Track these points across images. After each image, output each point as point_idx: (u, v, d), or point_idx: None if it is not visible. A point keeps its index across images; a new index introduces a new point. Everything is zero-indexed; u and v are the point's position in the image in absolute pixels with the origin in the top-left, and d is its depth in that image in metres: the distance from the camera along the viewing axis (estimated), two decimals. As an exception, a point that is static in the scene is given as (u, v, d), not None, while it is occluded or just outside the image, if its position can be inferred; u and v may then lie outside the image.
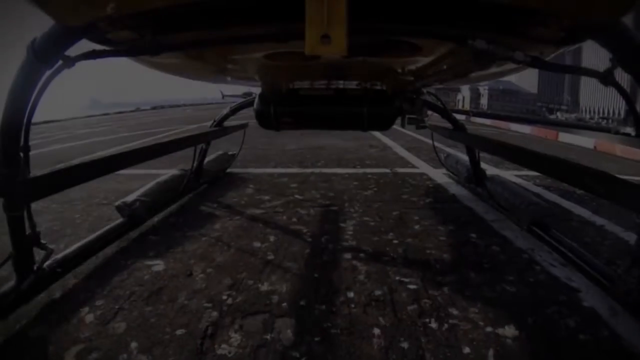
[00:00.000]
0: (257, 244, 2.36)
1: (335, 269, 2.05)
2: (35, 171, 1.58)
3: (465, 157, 3.61)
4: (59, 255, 1.82)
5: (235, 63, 2.20)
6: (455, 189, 3.87)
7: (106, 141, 8.39)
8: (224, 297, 1.76)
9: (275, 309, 1.67)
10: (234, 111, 3.65)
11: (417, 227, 2.72)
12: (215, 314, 1.62)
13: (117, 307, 1.68)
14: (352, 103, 2.95)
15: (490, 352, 1.43)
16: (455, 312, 1.69)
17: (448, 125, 3.46)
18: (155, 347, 1.41)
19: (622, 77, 1.45)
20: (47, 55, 1.34)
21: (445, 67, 2.18)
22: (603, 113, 79.45)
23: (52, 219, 2.87)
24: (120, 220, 2.44)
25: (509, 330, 1.57)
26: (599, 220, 3.08)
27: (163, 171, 3.51)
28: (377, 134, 8.72)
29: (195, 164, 3.30)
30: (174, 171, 3.29)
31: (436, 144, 4.50)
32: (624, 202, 1.37)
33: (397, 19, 1.26)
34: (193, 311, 1.64)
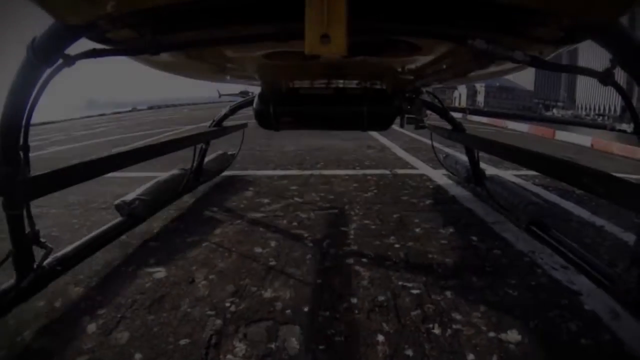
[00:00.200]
0: (258, 250, 2.35)
1: (337, 275, 2.05)
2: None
3: (464, 157, 3.62)
4: (59, 254, 1.80)
5: (234, 62, 2.20)
6: (454, 190, 3.88)
7: (104, 143, 8.35)
8: (227, 305, 1.75)
9: (279, 316, 1.67)
10: (233, 111, 3.64)
11: (418, 230, 2.72)
12: (219, 322, 1.62)
13: (119, 316, 1.67)
14: (352, 102, 2.96)
15: (494, 359, 1.43)
16: (458, 316, 1.70)
17: (447, 125, 3.47)
18: (159, 358, 1.40)
19: (619, 75, 1.46)
20: (47, 54, 1.34)
21: (444, 66, 2.18)
22: (599, 110, 79.80)
23: (51, 224, 2.85)
24: (120, 218, 2.42)
25: (512, 335, 1.58)
26: (598, 221, 3.10)
27: (163, 174, 3.49)
28: (374, 134, 8.72)
29: (194, 164, 3.29)
30: (173, 171, 3.28)
31: (432, 143, 4.49)
32: (623, 202, 1.37)
33: (396, 18, 1.26)
34: (196, 319, 1.64)
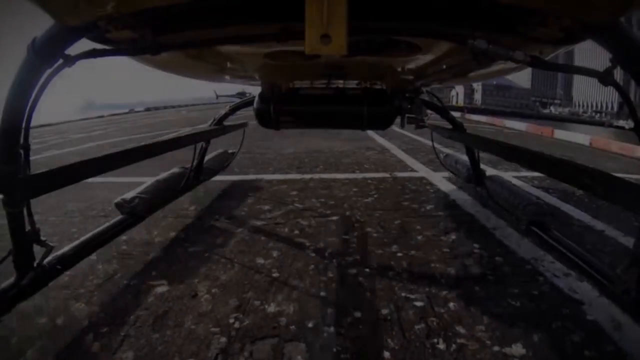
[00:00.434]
0: (260, 260, 2.35)
1: (341, 287, 2.05)
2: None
3: (464, 157, 3.62)
4: (59, 252, 1.79)
5: (235, 62, 2.20)
6: (455, 194, 3.88)
7: (103, 145, 8.31)
8: (231, 321, 1.75)
9: (283, 332, 1.67)
10: (233, 110, 3.64)
11: (419, 237, 2.72)
12: (223, 339, 1.61)
13: (122, 334, 1.66)
14: (352, 102, 2.96)
15: (500, 374, 1.43)
16: (462, 330, 1.70)
17: (447, 124, 3.45)
18: (164, 378, 1.40)
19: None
20: (48, 54, 1.34)
21: (444, 66, 2.19)
22: (596, 107, 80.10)
23: (51, 233, 2.83)
24: (120, 217, 2.41)
25: (516, 349, 1.58)
26: (599, 225, 3.11)
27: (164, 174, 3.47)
28: (373, 135, 8.74)
29: (195, 162, 3.29)
30: (174, 169, 3.27)
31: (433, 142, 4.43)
32: (623, 203, 1.36)
33: (397, 18, 1.26)
34: (201, 337, 1.63)
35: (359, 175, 4.75)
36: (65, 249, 1.85)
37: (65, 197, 3.78)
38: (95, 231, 2.14)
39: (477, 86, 72.02)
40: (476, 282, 2.11)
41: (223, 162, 4.22)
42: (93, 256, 2.46)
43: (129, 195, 2.53)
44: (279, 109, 2.93)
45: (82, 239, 2.02)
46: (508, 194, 2.72)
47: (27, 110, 1.41)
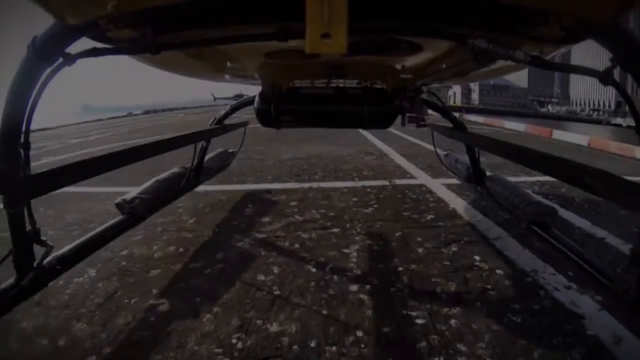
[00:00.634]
0: (261, 277, 2.35)
1: (342, 304, 2.05)
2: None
3: (464, 157, 3.61)
4: (59, 252, 1.78)
5: (235, 61, 2.20)
6: (455, 202, 3.89)
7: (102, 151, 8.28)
8: (234, 341, 1.75)
9: (286, 352, 1.67)
10: (234, 109, 3.65)
11: (420, 250, 2.73)
12: (226, 362, 1.62)
13: (125, 356, 1.67)
14: (352, 101, 2.96)
15: (502, 396, 1.44)
16: (463, 348, 1.71)
17: (447, 123, 3.45)
18: (168, 405, 1.40)
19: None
20: (48, 52, 1.34)
21: (445, 65, 2.19)
22: (594, 105, 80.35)
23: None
24: (120, 217, 2.39)
25: (518, 368, 1.59)
26: (599, 232, 3.12)
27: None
28: (372, 139, 8.76)
29: (195, 162, 3.28)
30: (174, 169, 3.26)
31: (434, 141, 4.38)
32: (625, 203, 1.36)
33: (397, 17, 1.27)
34: (204, 359, 1.64)
35: (358, 184, 4.75)
36: (66, 249, 1.83)
37: (62, 209, 3.79)
38: (96, 231, 2.12)
39: (475, 86, 72.14)
40: (477, 297, 2.12)
41: (223, 162, 4.20)
42: (93, 273, 2.49)
43: (129, 195, 2.52)
44: (280, 108, 2.93)
45: (83, 239, 2.00)
46: (508, 193, 2.71)
47: (27, 110, 1.41)
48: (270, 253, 2.72)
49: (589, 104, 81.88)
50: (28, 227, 1.52)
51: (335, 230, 3.14)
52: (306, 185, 4.70)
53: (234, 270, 2.47)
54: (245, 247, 2.84)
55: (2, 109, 1.41)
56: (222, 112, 3.60)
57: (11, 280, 1.51)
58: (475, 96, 72.86)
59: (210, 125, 3.53)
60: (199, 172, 3.42)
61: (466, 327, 1.86)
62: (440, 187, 4.48)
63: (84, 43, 1.39)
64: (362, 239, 2.94)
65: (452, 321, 1.90)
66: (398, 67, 2.32)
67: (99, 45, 1.43)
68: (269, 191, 4.43)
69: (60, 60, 1.37)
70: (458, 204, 3.84)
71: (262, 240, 2.97)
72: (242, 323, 1.90)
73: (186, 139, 2.77)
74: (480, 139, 2.80)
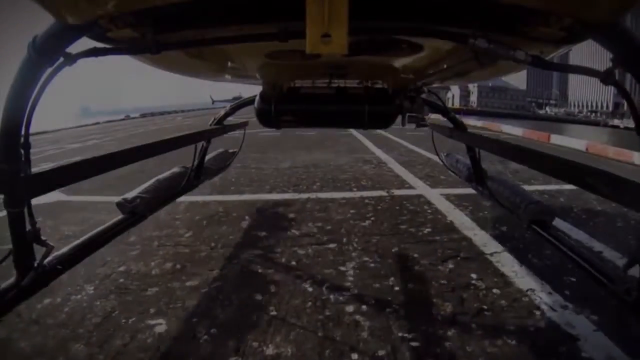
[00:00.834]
0: (258, 297, 2.35)
1: (338, 326, 2.06)
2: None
3: (464, 157, 3.62)
4: (60, 252, 1.77)
5: (235, 61, 2.21)
6: (452, 214, 3.90)
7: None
8: (230, 366, 1.76)
9: (281, 378, 1.68)
10: (234, 109, 3.66)
11: (417, 267, 2.73)
12: (222, 389, 1.62)
13: (122, 382, 1.67)
14: (353, 101, 2.97)
15: None
16: (459, 373, 1.71)
17: (448, 124, 3.46)
18: None
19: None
20: (48, 52, 1.34)
21: (445, 66, 2.19)
22: (592, 106, 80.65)
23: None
24: (120, 216, 2.37)
25: (512, 393, 1.60)
26: (597, 246, 3.13)
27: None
28: (370, 146, 8.78)
29: (195, 162, 3.29)
30: (174, 169, 3.26)
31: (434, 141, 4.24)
32: (628, 203, 1.36)
33: (398, 17, 1.27)
34: (200, 386, 1.64)
35: (356, 194, 4.76)
36: (66, 248, 1.82)
37: (59, 220, 3.79)
38: (97, 230, 2.08)
39: (473, 88, 72.41)
40: (473, 318, 2.13)
41: (224, 162, 4.21)
42: (91, 290, 2.49)
43: (130, 195, 2.52)
44: (280, 108, 2.94)
45: (83, 238, 1.97)
46: (509, 193, 2.71)
47: (27, 109, 1.41)
48: (266, 270, 2.72)
49: (587, 106, 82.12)
50: (28, 227, 1.52)
51: (332, 245, 3.14)
52: (304, 195, 4.71)
53: (230, 288, 2.47)
54: (242, 263, 2.84)
55: (2, 109, 1.42)
56: (222, 112, 3.62)
57: (11, 280, 1.51)
58: (473, 98, 73.09)
59: (210, 125, 3.55)
60: (199, 172, 3.43)
61: (461, 349, 1.86)
62: (439, 198, 4.49)
63: (85, 43, 1.40)
64: (359, 256, 2.94)
65: (447, 343, 1.90)
66: (399, 67, 2.32)
67: (100, 45, 1.43)
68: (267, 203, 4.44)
69: (61, 60, 1.37)
70: (455, 216, 3.85)
71: (259, 256, 2.97)
72: (239, 345, 1.90)
73: (186, 139, 2.78)
74: (481, 139, 2.81)
